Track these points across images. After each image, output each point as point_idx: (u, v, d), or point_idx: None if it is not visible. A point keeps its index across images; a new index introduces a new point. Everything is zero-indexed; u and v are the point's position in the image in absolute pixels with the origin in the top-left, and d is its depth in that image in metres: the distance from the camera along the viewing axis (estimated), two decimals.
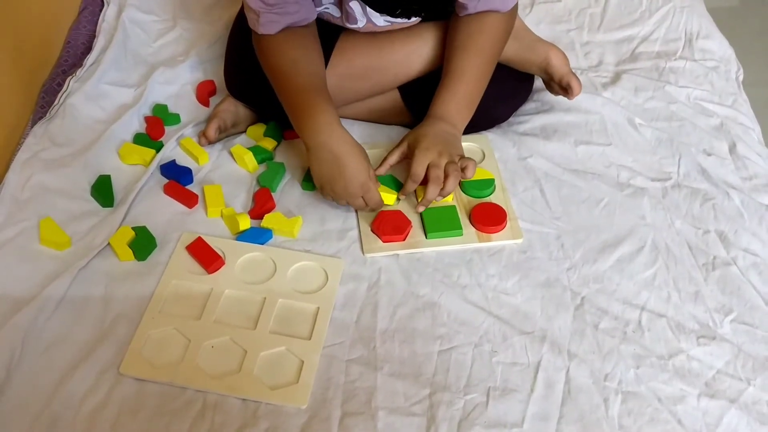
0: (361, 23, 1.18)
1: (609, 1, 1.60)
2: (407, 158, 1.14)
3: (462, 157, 1.13)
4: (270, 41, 1.13)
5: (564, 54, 1.27)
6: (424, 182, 1.11)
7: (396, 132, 1.28)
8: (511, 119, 1.31)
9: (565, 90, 1.26)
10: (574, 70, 1.28)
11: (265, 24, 1.11)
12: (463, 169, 1.11)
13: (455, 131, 1.16)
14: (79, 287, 1.02)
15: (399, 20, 1.18)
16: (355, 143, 1.09)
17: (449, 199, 1.15)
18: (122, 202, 1.13)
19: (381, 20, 1.17)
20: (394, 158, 1.15)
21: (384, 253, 1.09)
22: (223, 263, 1.06)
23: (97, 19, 1.47)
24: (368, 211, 1.13)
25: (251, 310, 1.01)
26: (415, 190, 1.14)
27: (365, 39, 1.21)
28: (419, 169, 1.10)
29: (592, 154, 1.25)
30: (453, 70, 1.17)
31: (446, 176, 1.09)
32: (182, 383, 0.92)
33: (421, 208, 1.12)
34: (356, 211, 1.14)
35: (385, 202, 1.13)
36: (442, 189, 1.09)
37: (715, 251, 1.11)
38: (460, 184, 1.17)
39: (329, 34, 1.19)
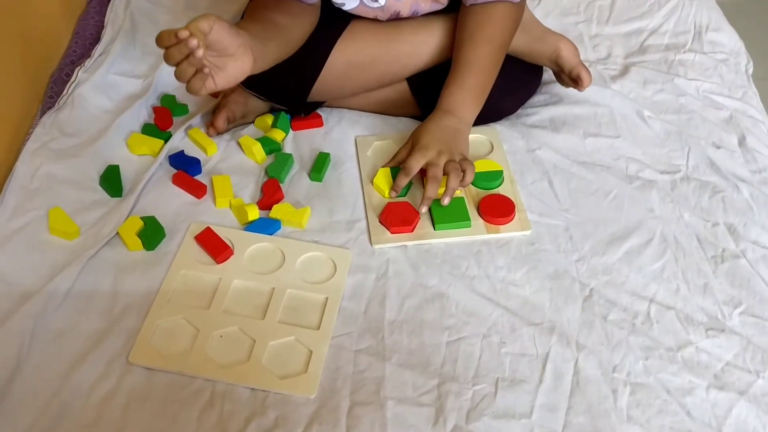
0: None
1: None
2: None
3: (464, 158, 1.12)
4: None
5: (574, 45, 1.27)
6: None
7: (404, 123, 1.28)
8: (519, 111, 1.30)
9: (575, 81, 1.25)
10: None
11: None
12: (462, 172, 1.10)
13: (462, 125, 1.16)
14: (88, 277, 1.02)
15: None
16: None
17: (457, 191, 1.15)
18: (131, 192, 1.13)
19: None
20: (402, 154, 1.16)
21: (392, 245, 1.09)
22: (231, 253, 1.06)
23: (106, 10, 1.47)
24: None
25: (260, 300, 1.01)
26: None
27: (374, 28, 1.21)
28: (413, 163, 1.10)
29: (601, 147, 1.25)
30: (461, 61, 1.16)
31: (446, 174, 1.09)
32: (191, 372, 0.92)
33: (424, 209, 1.09)
34: (364, 203, 1.14)
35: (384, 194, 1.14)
36: (446, 187, 1.09)
37: (724, 244, 1.10)
38: None
39: (336, 22, 1.19)
